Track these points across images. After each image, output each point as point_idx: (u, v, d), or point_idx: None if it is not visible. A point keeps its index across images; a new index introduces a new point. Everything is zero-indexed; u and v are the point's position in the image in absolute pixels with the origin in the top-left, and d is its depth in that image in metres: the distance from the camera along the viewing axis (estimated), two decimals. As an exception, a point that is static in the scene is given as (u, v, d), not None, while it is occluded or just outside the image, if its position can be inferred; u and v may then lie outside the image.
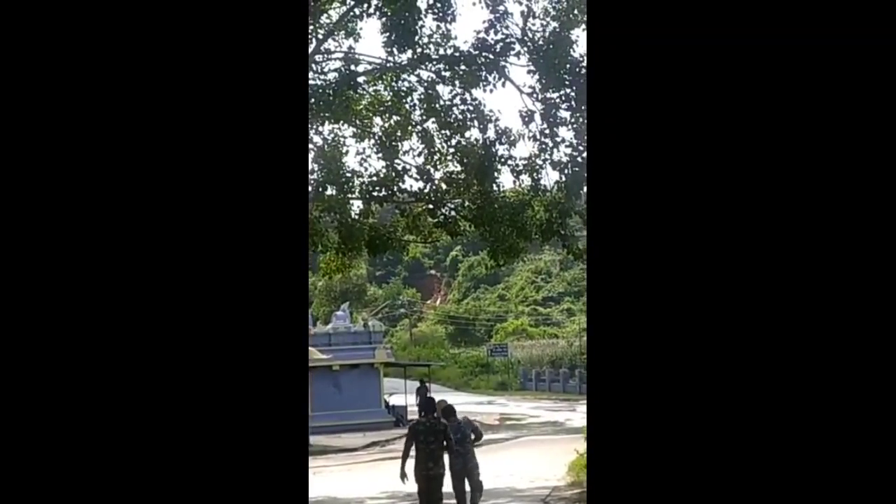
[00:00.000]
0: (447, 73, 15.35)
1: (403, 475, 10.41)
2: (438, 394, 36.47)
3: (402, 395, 34.18)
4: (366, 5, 15.14)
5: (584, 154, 13.90)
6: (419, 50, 15.01)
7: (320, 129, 16.67)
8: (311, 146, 16.83)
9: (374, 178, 16.39)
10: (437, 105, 15.77)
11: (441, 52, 15.25)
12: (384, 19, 14.73)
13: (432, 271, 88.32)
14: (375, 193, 16.22)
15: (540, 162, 15.47)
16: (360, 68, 15.79)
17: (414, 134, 16.60)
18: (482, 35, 14.69)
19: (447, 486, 11.00)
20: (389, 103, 16.51)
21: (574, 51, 14.48)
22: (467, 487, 11.16)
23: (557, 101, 14.77)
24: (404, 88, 16.19)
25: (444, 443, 10.42)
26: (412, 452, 10.32)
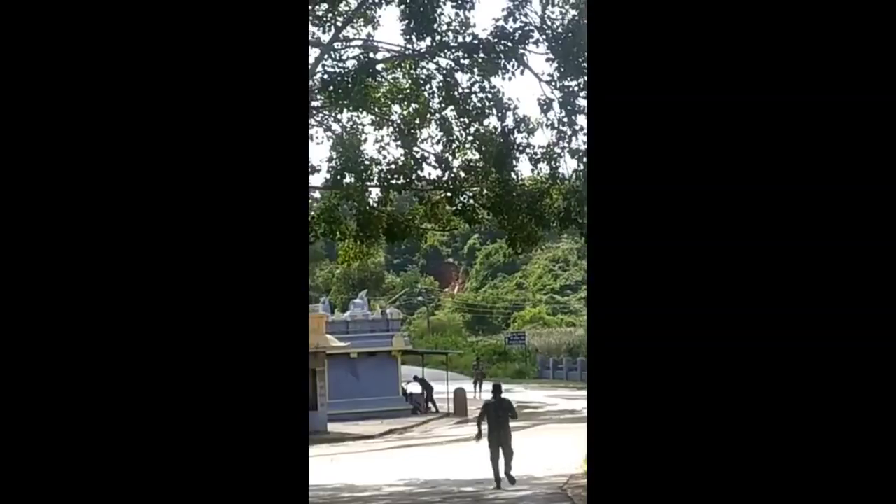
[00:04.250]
0: (466, 61, 15.31)
1: (479, 435, 14.74)
2: (456, 382, 36.59)
3: (416, 381, 34.29)
4: (385, -7, 15.16)
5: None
6: (438, 38, 14.99)
7: (339, 116, 16.70)
8: (329, 133, 16.88)
9: (393, 166, 16.38)
10: (456, 93, 15.75)
11: (460, 39, 15.21)
12: (403, 7, 14.72)
13: (450, 259, 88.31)
14: (394, 181, 16.21)
15: (558, 150, 15.43)
16: (379, 56, 15.80)
17: (432, 122, 16.57)
18: (501, 23, 14.66)
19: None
20: (408, 91, 16.48)
21: (593, 39, 14.42)
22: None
23: (576, 89, 14.73)
24: (423, 76, 16.16)
25: (509, 414, 14.42)
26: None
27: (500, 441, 14.27)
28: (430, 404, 32.98)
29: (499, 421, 14.32)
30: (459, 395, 32.31)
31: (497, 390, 14.96)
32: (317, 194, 18.87)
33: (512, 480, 14.33)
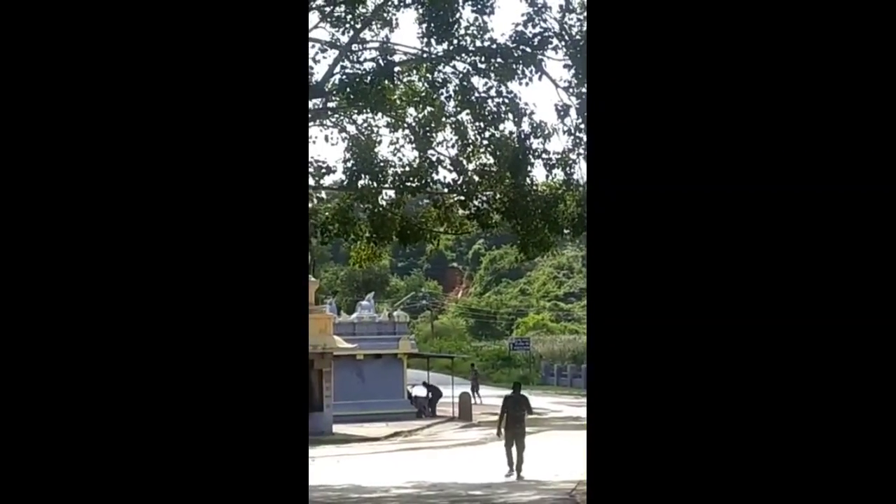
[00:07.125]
0: (483, 66, 15.29)
1: (499, 432, 16.72)
2: (461, 387, 36.57)
3: (425, 387, 34.30)
4: (403, -5, 15.18)
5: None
6: (455, 41, 14.99)
7: (354, 118, 16.71)
8: (344, 135, 16.90)
9: (407, 169, 16.38)
10: (472, 97, 15.72)
11: (478, 44, 15.20)
12: (421, 10, 14.75)
13: (454, 264, 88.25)
14: (408, 184, 16.19)
15: (574, 157, 15.46)
16: (396, 58, 15.78)
17: (448, 125, 16.55)
18: (520, 28, 14.67)
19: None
20: (424, 94, 16.45)
21: (611, 46, 14.43)
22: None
23: (594, 95, 14.72)
24: (439, 80, 16.12)
25: (525, 410, 16.67)
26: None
27: (514, 434, 16.30)
28: (432, 409, 33.02)
29: (516, 415, 16.41)
30: (464, 400, 32.34)
31: (517, 387, 17.33)
32: (323, 194, 18.89)
33: (519, 475, 15.96)
